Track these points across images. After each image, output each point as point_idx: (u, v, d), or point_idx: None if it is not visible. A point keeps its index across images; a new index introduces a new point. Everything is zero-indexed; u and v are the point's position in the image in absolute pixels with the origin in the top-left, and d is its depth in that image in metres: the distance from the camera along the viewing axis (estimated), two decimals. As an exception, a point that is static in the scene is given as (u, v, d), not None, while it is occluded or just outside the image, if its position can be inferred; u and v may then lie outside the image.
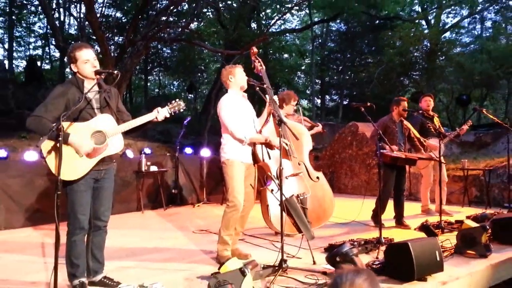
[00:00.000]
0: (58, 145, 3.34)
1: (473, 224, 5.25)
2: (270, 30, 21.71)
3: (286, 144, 4.96)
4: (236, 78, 4.91)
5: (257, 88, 4.86)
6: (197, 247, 5.71)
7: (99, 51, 12.25)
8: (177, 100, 4.03)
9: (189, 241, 6.07)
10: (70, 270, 3.76)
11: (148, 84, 31.03)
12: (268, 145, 4.87)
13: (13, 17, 23.10)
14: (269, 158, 4.92)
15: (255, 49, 5.25)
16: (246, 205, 4.78)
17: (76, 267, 3.74)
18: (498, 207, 8.48)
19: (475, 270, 4.46)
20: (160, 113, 3.89)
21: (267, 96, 4.92)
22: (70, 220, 3.72)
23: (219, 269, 3.80)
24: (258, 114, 5.15)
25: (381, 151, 6.14)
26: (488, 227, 5.12)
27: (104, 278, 3.99)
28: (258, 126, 5.00)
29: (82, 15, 19.08)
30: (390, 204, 6.97)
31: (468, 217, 6.21)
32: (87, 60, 3.73)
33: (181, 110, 4.07)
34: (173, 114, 3.97)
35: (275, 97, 5.08)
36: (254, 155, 4.94)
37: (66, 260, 3.76)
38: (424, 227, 5.88)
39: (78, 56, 3.73)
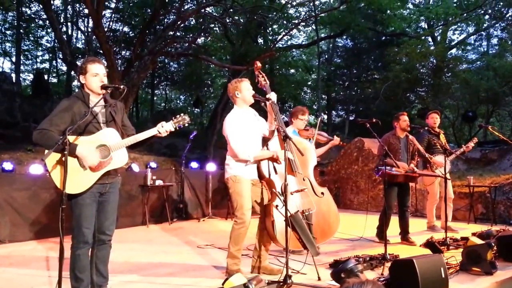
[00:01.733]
0: (63, 158, 3.35)
1: (479, 241, 5.22)
2: (276, 45, 21.78)
3: (290, 158, 4.95)
4: (243, 93, 4.90)
5: (262, 103, 4.86)
6: (202, 262, 5.69)
7: (106, 65, 12.30)
8: (182, 114, 4.01)
9: (194, 256, 6.06)
10: (74, 284, 3.74)
11: (155, 98, 31.20)
12: (274, 159, 4.86)
13: (21, 30, 23.36)
14: (276, 173, 4.91)
15: (258, 64, 5.18)
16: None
17: (80, 281, 3.72)
18: (504, 224, 8.43)
19: (480, 288, 4.43)
20: (165, 127, 3.87)
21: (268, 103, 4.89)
22: (74, 233, 3.71)
23: (223, 284, 3.78)
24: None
25: (380, 167, 6.15)
26: (493, 244, 5.08)
27: (108, 292, 3.98)
28: (266, 130, 5.01)
29: (89, 29, 19.26)
30: (396, 221, 6.96)
31: (473, 234, 6.17)
32: (96, 74, 3.77)
33: (186, 125, 4.05)
34: (177, 128, 3.97)
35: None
36: (259, 171, 4.93)
37: (70, 274, 3.74)
38: (429, 244, 5.87)
39: (89, 68, 3.77)
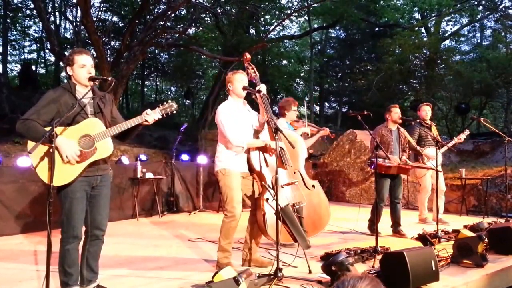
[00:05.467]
0: (50, 150, 3.28)
1: (470, 234, 5.21)
2: (269, 36, 21.69)
3: (282, 149, 4.91)
4: (234, 85, 4.88)
5: (254, 95, 4.82)
6: (192, 255, 5.66)
7: (94, 55, 12.18)
8: (169, 101, 3.94)
9: (184, 249, 6.03)
10: (63, 279, 3.68)
11: (145, 89, 30.97)
12: (265, 149, 4.82)
13: (8, 20, 22.75)
14: (267, 165, 4.87)
15: (248, 56, 5.17)
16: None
17: (69, 275, 3.67)
18: (496, 216, 8.44)
19: (471, 280, 4.43)
20: (151, 115, 3.78)
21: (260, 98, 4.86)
22: (64, 228, 3.64)
23: (213, 277, 3.74)
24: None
25: (373, 159, 6.13)
26: (484, 236, 5.07)
27: (97, 286, 3.92)
28: (257, 123, 4.96)
29: (78, 19, 19.05)
30: (388, 213, 6.95)
31: (465, 227, 6.16)
32: (83, 65, 3.69)
33: (174, 112, 3.97)
34: (165, 116, 3.91)
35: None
36: (249, 164, 4.89)
37: (59, 268, 3.69)
38: (420, 236, 5.88)
39: (76, 59, 3.70)
